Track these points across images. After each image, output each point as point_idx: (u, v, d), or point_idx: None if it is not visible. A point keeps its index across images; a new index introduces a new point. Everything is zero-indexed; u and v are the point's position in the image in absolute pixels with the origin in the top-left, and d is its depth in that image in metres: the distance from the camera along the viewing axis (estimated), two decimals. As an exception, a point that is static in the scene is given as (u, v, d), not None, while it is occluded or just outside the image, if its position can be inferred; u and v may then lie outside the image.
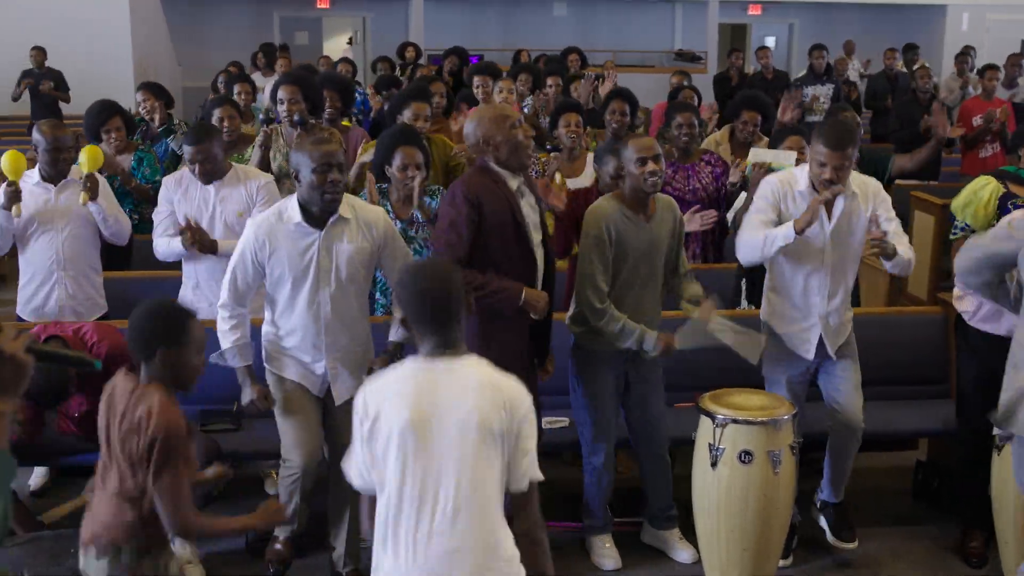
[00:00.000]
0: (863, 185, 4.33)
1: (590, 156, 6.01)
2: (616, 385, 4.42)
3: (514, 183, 3.99)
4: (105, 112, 6.21)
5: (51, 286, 5.02)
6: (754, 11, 21.15)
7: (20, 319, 5.08)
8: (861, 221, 4.30)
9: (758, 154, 5.22)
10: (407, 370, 2.81)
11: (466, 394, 2.73)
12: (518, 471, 2.78)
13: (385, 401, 2.75)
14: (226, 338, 4.07)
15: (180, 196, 4.97)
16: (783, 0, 20.44)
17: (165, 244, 4.96)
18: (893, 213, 4.38)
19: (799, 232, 4.13)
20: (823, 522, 4.60)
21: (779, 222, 4.27)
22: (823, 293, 4.34)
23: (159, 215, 5.01)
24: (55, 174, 5.05)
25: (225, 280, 4.07)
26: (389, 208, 4.84)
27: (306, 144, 3.98)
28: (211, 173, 4.91)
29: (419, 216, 4.83)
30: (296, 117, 5.80)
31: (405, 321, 2.91)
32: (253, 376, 4.13)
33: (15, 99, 12.29)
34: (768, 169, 5.00)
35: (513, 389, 2.79)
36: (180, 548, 4.30)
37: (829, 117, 5.76)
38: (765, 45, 13.63)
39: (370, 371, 4.04)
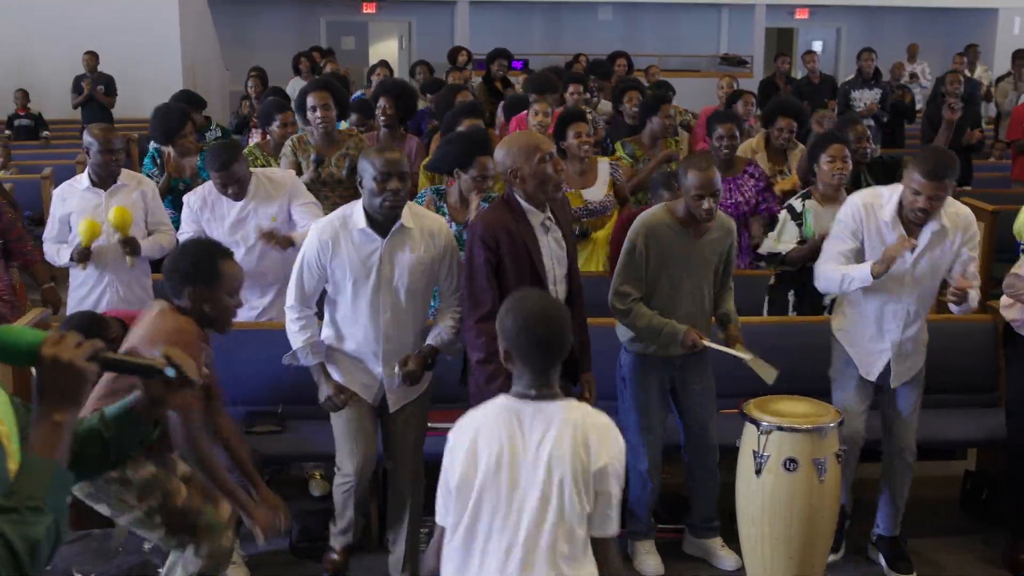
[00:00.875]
0: (954, 216, 4.21)
1: (602, 164, 5.97)
2: (663, 391, 4.41)
3: (538, 218, 3.94)
4: (183, 118, 6.30)
5: (103, 289, 5.09)
6: (801, 15, 20.99)
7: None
8: (946, 254, 4.23)
9: (820, 221, 4.97)
10: (498, 407, 2.70)
11: (554, 436, 2.61)
12: (601, 517, 2.66)
13: (472, 438, 2.66)
14: (296, 338, 4.07)
15: (208, 215, 4.98)
16: (831, 4, 20.25)
17: None
18: (977, 249, 4.30)
19: (876, 277, 4.11)
20: (881, 559, 4.56)
21: (860, 249, 4.24)
22: (899, 321, 4.29)
23: (184, 235, 4.99)
24: (105, 177, 5.11)
25: (291, 282, 4.08)
26: (445, 210, 4.85)
27: (371, 151, 4.00)
28: (242, 192, 4.93)
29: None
30: (314, 157, 5.75)
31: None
32: (327, 373, 4.11)
33: (75, 107, 12.48)
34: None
35: (603, 432, 2.66)
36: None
37: (842, 127, 5.60)
38: (812, 49, 13.46)
39: (404, 364, 4.05)
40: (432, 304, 4.88)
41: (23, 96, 12.42)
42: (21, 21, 14.44)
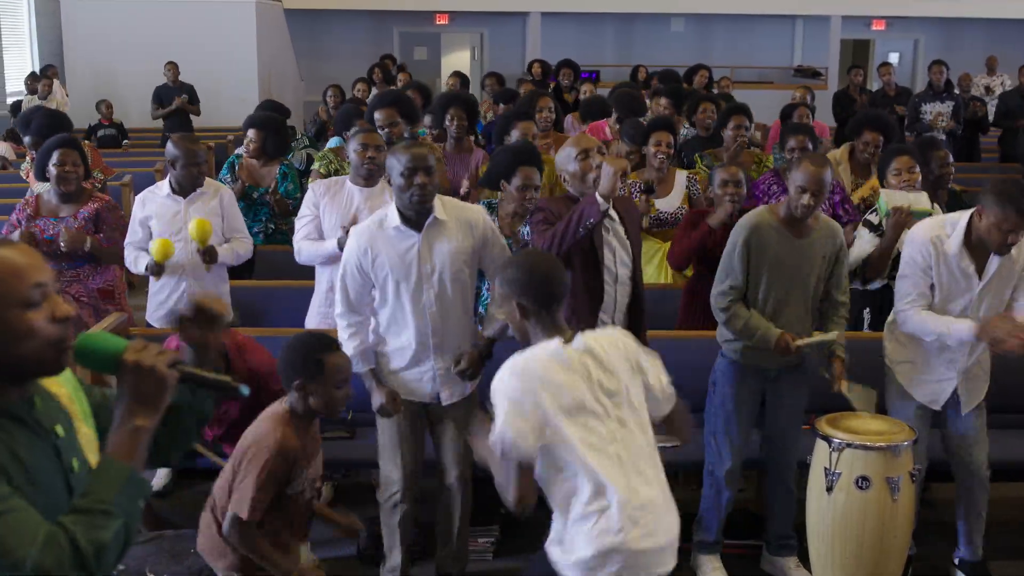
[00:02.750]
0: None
1: (680, 176, 5.96)
2: (753, 401, 4.36)
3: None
4: (247, 122, 6.52)
5: (180, 294, 5.17)
6: (878, 26, 20.67)
7: (149, 325, 5.26)
8: (1012, 276, 4.17)
9: (892, 196, 4.91)
10: (553, 351, 2.91)
11: (612, 357, 2.93)
12: (663, 395, 3.04)
13: (551, 383, 2.85)
14: (347, 346, 4.08)
15: (327, 200, 5.01)
16: (908, 15, 19.92)
17: (311, 247, 4.95)
18: None
19: (978, 339, 4.07)
20: None
21: (932, 286, 4.18)
22: (965, 349, 4.21)
23: (302, 219, 5.03)
24: (187, 186, 5.20)
25: (336, 290, 4.13)
26: (496, 224, 4.86)
27: (398, 149, 4.05)
28: (377, 171, 4.98)
29: (526, 234, 4.84)
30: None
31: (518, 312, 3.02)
32: (379, 379, 4.13)
33: (155, 118, 12.77)
34: (909, 213, 4.71)
35: (622, 339, 3.04)
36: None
37: (924, 151, 5.44)
38: (887, 61, 13.26)
39: (456, 363, 4.07)
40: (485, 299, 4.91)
41: (107, 107, 12.74)
42: (105, 35, 14.84)
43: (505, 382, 2.88)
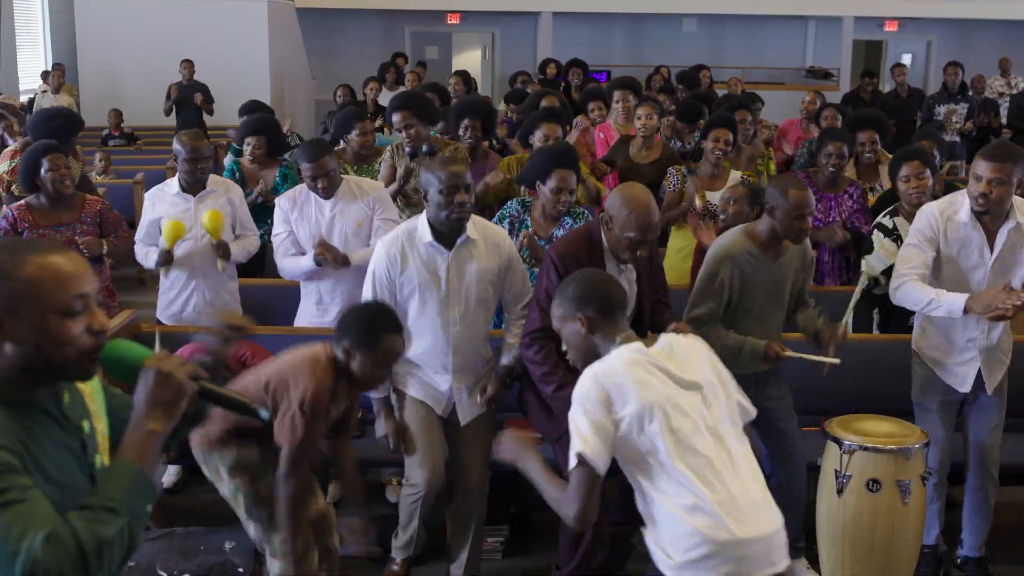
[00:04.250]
0: None
1: (734, 174, 5.96)
2: None
3: (611, 263, 3.93)
4: (245, 128, 6.44)
5: (190, 292, 5.19)
6: (891, 27, 20.61)
7: (159, 323, 5.28)
8: (1022, 250, 4.17)
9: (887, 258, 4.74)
10: (632, 354, 2.91)
11: (693, 358, 2.96)
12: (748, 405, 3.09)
13: (637, 385, 2.82)
14: None
15: (297, 215, 4.98)
16: (921, 16, 19.86)
17: (292, 263, 4.96)
18: None
19: (966, 313, 4.03)
20: None
21: (937, 258, 4.17)
22: (983, 326, 4.20)
23: (278, 237, 5.01)
24: (194, 183, 5.22)
25: (363, 299, 4.09)
26: (528, 223, 4.85)
27: (435, 165, 4.00)
28: (331, 187, 4.92)
29: (559, 236, 4.80)
30: (425, 148, 5.80)
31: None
32: (390, 408, 4.13)
33: (167, 113, 12.80)
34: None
35: (702, 344, 3.09)
36: None
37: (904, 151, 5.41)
38: (901, 62, 13.20)
39: (483, 392, 4.08)
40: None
41: (117, 116, 12.75)
42: (117, 34, 14.89)
43: (587, 388, 2.85)
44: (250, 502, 3.57)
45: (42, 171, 5.13)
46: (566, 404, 2.95)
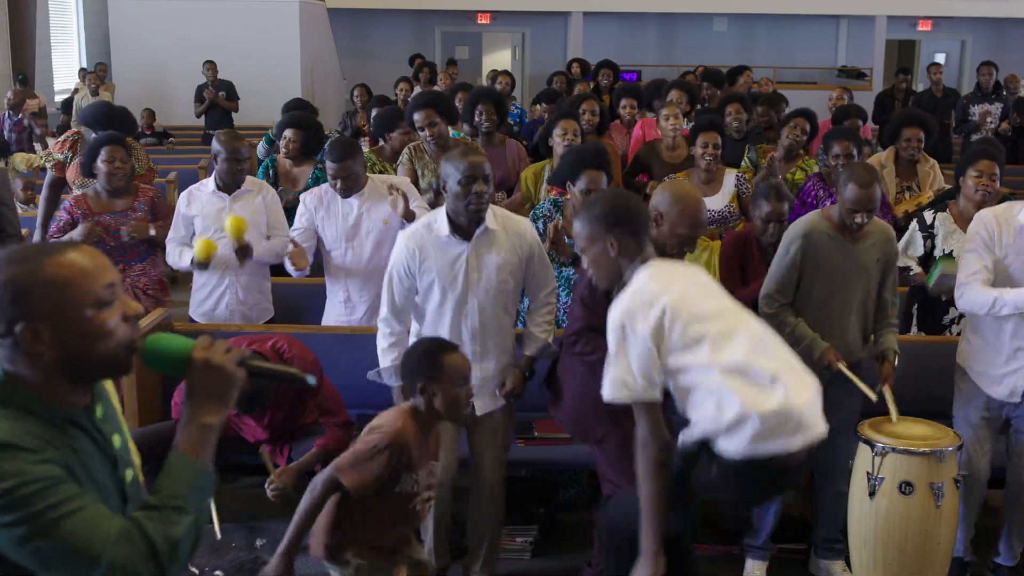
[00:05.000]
0: None
1: (729, 176, 5.94)
2: None
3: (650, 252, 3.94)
4: (285, 122, 6.49)
5: (223, 291, 5.22)
6: (924, 27, 20.45)
7: (192, 321, 5.31)
8: None
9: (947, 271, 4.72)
10: (664, 267, 3.12)
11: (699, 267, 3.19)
12: None
13: (676, 295, 2.96)
14: (385, 356, 4.09)
15: (324, 213, 5.04)
16: (955, 15, 19.68)
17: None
18: None
19: None
20: None
21: (997, 261, 4.13)
22: None
23: (295, 231, 5.08)
24: (231, 183, 5.25)
25: (383, 293, 4.11)
26: (561, 221, 4.85)
27: (454, 155, 4.01)
28: (352, 188, 4.97)
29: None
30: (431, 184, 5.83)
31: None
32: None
33: (199, 115, 12.90)
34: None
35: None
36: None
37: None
38: (936, 62, 13.09)
39: (501, 386, 4.08)
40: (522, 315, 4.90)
41: (149, 115, 12.89)
42: (151, 34, 15.04)
43: (627, 308, 2.96)
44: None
45: (99, 161, 5.26)
46: None
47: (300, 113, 6.86)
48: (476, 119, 6.49)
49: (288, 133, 6.45)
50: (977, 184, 4.76)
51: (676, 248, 3.83)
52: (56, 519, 1.77)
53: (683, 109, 7.53)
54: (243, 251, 5.06)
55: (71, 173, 6.50)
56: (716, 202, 5.81)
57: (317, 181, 6.30)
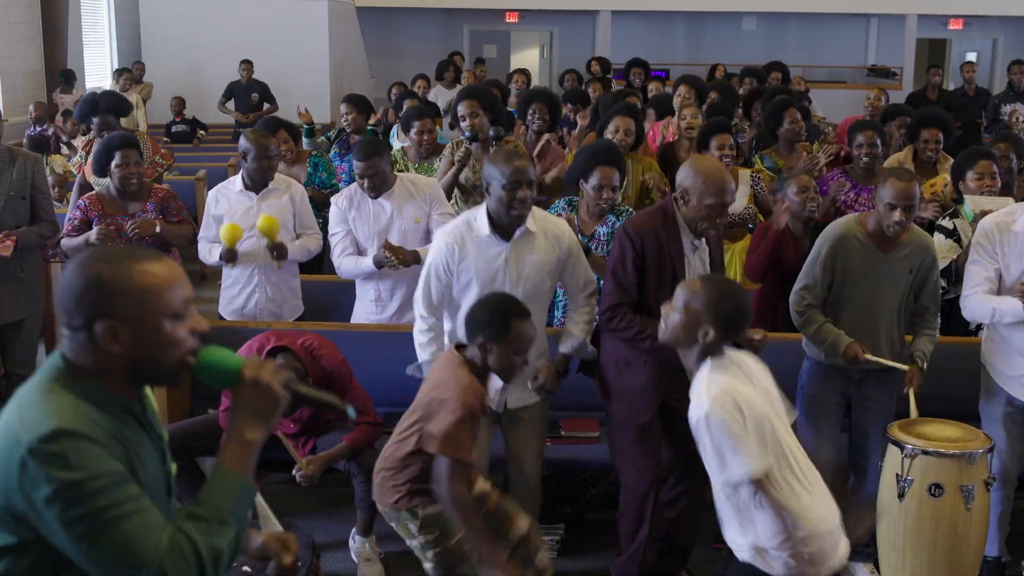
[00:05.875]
0: None
1: (743, 176, 5.91)
2: (837, 403, 4.31)
3: (688, 237, 3.94)
4: (271, 127, 6.43)
5: (252, 288, 5.24)
6: (955, 25, 20.27)
7: (221, 318, 5.35)
8: None
9: (978, 201, 4.78)
10: (739, 361, 3.08)
11: (764, 372, 3.14)
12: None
13: (753, 394, 3.00)
14: (424, 351, 4.09)
15: (355, 214, 5.03)
16: (987, 14, 19.49)
17: (351, 263, 5.02)
18: None
19: None
20: None
21: (999, 269, 4.12)
22: None
23: (335, 236, 5.07)
24: (258, 181, 5.27)
25: (419, 289, 4.11)
26: (575, 221, 4.85)
27: (499, 159, 4.01)
28: (380, 187, 4.96)
29: (603, 234, 4.81)
30: (492, 132, 5.89)
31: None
32: None
33: (223, 111, 12.98)
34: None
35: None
36: (361, 546, 4.42)
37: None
38: (969, 60, 12.97)
39: (534, 380, 4.07)
40: (559, 314, 4.90)
41: (179, 103, 12.99)
42: (181, 34, 15.15)
43: (721, 416, 2.91)
44: (441, 558, 3.56)
45: (112, 164, 5.26)
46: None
47: (361, 97, 7.43)
48: (529, 117, 6.54)
49: (345, 107, 7.09)
50: (980, 186, 4.80)
51: (708, 221, 3.85)
52: (116, 518, 1.82)
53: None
54: (278, 250, 5.08)
55: (86, 171, 6.56)
56: (734, 207, 5.77)
57: (316, 168, 6.43)
